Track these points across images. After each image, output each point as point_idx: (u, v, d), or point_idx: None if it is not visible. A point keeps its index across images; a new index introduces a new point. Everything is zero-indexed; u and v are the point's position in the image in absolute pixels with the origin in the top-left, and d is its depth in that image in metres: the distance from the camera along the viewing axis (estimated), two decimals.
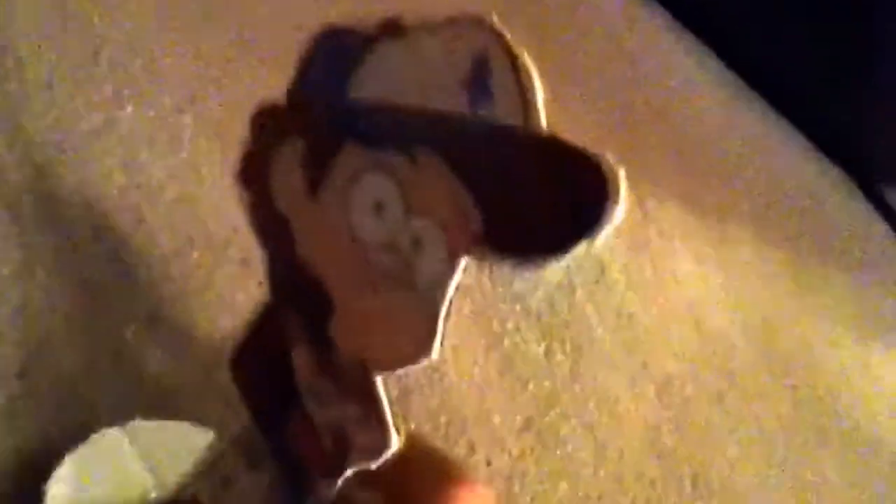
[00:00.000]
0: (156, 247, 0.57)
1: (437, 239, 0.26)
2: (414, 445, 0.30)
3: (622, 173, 0.23)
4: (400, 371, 0.27)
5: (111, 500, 0.46)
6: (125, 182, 0.59)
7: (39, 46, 0.62)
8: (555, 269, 0.24)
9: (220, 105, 0.67)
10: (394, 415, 0.28)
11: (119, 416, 0.48)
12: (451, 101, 0.25)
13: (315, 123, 0.27)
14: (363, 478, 0.29)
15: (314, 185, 0.28)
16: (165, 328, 0.53)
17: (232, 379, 0.32)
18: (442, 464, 0.31)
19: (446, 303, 0.25)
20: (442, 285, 0.25)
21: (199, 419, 0.50)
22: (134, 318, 0.52)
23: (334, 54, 0.27)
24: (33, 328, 0.49)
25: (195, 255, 0.58)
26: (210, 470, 0.33)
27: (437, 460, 0.31)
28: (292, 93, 0.28)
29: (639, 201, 0.92)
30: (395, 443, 0.28)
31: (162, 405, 0.50)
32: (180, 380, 0.52)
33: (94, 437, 0.47)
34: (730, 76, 1.25)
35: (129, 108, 0.63)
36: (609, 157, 0.23)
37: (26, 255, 0.51)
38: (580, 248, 0.23)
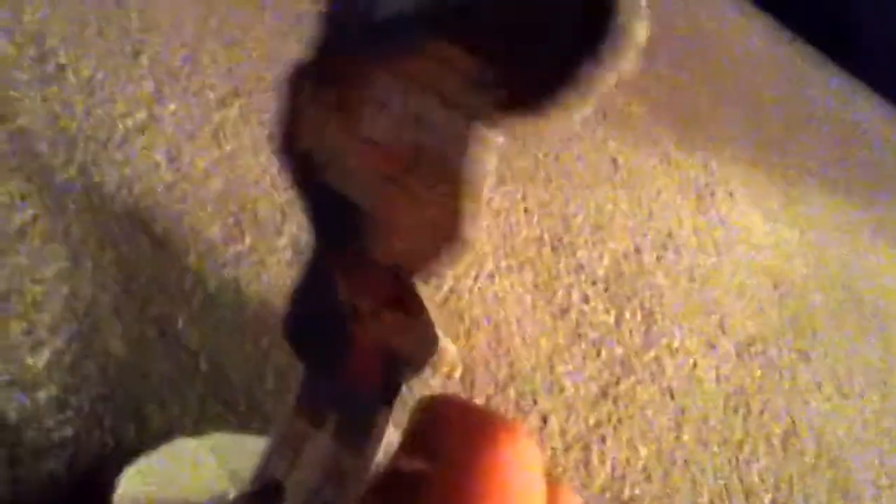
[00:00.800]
0: (205, 236, 0.56)
1: (454, 118, 0.25)
2: (450, 404, 0.29)
3: None
4: (445, 268, 0.27)
5: (189, 499, 0.45)
6: (171, 176, 0.58)
7: (79, 51, 0.62)
8: (585, 111, 0.23)
9: (264, 96, 0.67)
10: (438, 318, 0.27)
11: (172, 406, 0.48)
12: None
13: (341, 65, 0.27)
14: (405, 444, 0.29)
15: (348, 121, 0.28)
16: (218, 315, 0.52)
17: (283, 336, 0.32)
18: (480, 416, 0.30)
19: (480, 184, 0.25)
20: (471, 166, 0.24)
21: (255, 406, 0.49)
22: (186, 308, 0.52)
23: None
24: (84, 322, 0.48)
25: (246, 242, 0.57)
26: (279, 447, 0.33)
27: (475, 414, 0.30)
28: (318, 45, 0.28)
29: (703, 164, 0.89)
30: (444, 346, 0.27)
31: (216, 393, 0.49)
32: (235, 367, 0.50)
33: (166, 445, 0.46)
34: (789, 35, 1.22)
35: (172, 105, 0.63)
36: None
37: (74, 252, 0.51)
38: (608, 79, 0.21)
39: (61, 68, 0.60)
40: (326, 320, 0.30)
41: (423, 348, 0.27)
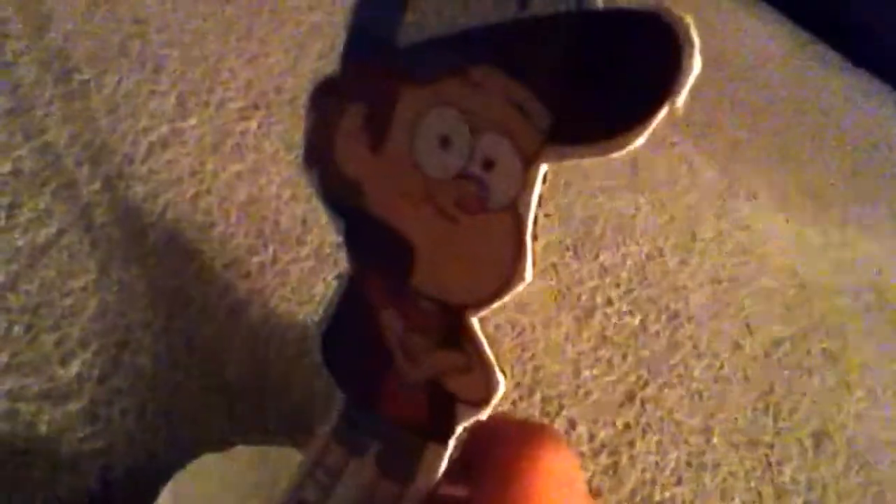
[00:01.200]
0: (230, 247, 0.56)
1: (506, 150, 0.24)
2: (488, 418, 0.28)
3: (691, 21, 0.21)
4: (499, 303, 0.26)
5: None
6: (195, 189, 0.58)
7: (101, 67, 0.63)
8: (636, 147, 0.23)
9: (284, 108, 0.67)
10: (497, 355, 0.26)
11: (200, 417, 0.48)
12: (500, 12, 0.23)
13: (371, 83, 0.26)
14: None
15: (378, 141, 0.27)
16: (245, 324, 0.52)
17: (322, 360, 0.31)
18: (519, 430, 0.29)
19: (531, 217, 0.24)
20: (522, 200, 0.24)
21: (282, 418, 0.49)
22: (213, 317, 0.52)
23: (379, 9, 0.26)
24: (112, 334, 0.49)
25: (270, 251, 0.57)
26: (314, 472, 0.32)
27: (513, 428, 0.29)
28: (345, 59, 0.27)
29: (724, 167, 0.88)
30: (503, 384, 0.26)
31: (245, 401, 0.49)
32: (262, 375, 0.51)
33: (195, 462, 0.46)
34: (806, 37, 1.21)
35: (194, 119, 0.63)
36: (672, 8, 0.21)
37: (101, 265, 0.51)
38: (662, 113, 0.21)
39: (84, 84, 0.61)
40: (368, 352, 0.29)
41: (482, 389, 0.26)
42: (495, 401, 0.26)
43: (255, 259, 0.56)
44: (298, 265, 0.57)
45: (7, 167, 0.53)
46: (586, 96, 0.22)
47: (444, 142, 0.25)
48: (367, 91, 0.27)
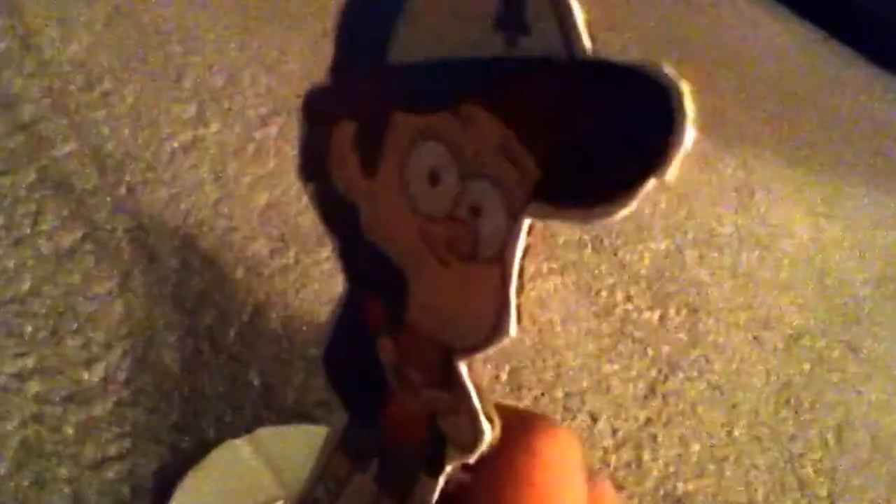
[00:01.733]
0: (251, 250, 0.57)
1: (494, 200, 0.23)
2: None
3: (686, 86, 0.19)
4: (484, 353, 0.25)
5: None
6: (217, 193, 0.59)
7: (124, 76, 0.64)
8: (629, 213, 0.21)
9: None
10: (485, 402, 0.25)
11: (225, 417, 0.48)
12: (487, 45, 0.23)
13: (361, 99, 0.26)
14: None
15: (370, 164, 0.26)
16: (267, 327, 0.53)
17: (325, 375, 0.31)
18: (517, 419, 0.29)
19: (514, 272, 0.23)
20: (507, 251, 0.23)
21: (304, 415, 0.50)
22: (235, 320, 0.53)
23: (369, 19, 0.25)
24: (137, 337, 0.50)
25: (290, 254, 0.58)
26: (323, 474, 0.32)
27: (511, 417, 0.29)
28: (335, 71, 0.26)
29: (740, 162, 0.88)
30: (488, 435, 0.25)
31: (268, 405, 0.50)
32: (284, 378, 0.51)
33: (219, 448, 0.47)
34: (821, 33, 1.21)
35: (215, 125, 0.64)
36: (668, 68, 0.19)
37: (125, 269, 0.52)
38: (649, 185, 0.19)
39: (107, 94, 0.62)
40: (368, 372, 0.28)
41: (469, 435, 0.26)
42: (481, 449, 0.25)
43: (277, 262, 0.57)
44: (319, 267, 0.58)
45: (31, 176, 0.55)
46: (573, 154, 0.21)
47: (434, 178, 0.24)
48: (357, 107, 0.26)
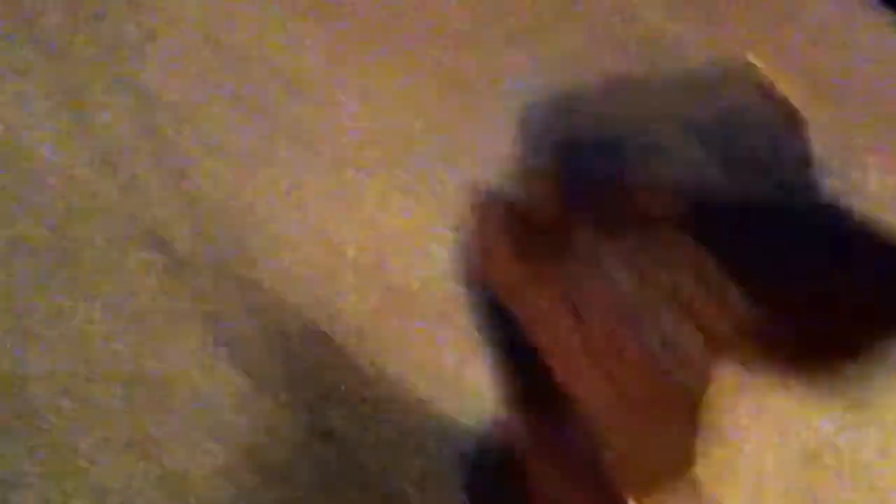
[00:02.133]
0: (350, 308, 0.56)
1: (696, 344, 0.20)
2: None
3: None
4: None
5: None
6: (325, 259, 0.57)
7: (222, 140, 0.63)
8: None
9: (406, 170, 0.64)
10: None
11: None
12: (703, 169, 0.20)
13: (541, 211, 0.23)
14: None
15: (539, 275, 0.24)
16: (380, 409, 0.50)
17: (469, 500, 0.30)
18: None
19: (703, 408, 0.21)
20: (701, 402, 0.21)
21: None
22: (338, 396, 0.51)
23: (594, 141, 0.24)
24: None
25: (392, 320, 0.55)
26: None
27: None
28: (522, 179, 0.25)
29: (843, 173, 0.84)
30: None
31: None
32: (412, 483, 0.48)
33: None
34: None
35: (311, 175, 0.62)
36: None
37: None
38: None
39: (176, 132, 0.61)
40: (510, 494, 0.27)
41: None
42: None
43: (377, 321, 0.56)
44: (423, 335, 0.55)
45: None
46: (796, 302, 0.19)
47: (633, 310, 0.22)
48: (531, 218, 0.24)
